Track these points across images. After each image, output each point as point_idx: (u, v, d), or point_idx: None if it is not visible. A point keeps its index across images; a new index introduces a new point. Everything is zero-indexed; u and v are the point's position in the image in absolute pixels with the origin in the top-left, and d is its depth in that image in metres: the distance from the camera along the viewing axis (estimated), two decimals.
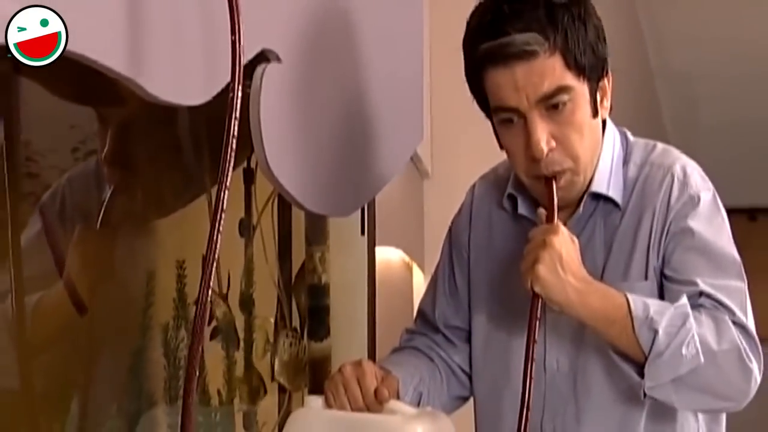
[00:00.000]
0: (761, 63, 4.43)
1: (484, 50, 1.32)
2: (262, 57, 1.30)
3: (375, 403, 1.33)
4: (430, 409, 1.42)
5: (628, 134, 1.46)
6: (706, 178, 1.45)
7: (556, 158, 1.34)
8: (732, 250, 1.41)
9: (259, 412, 1.61)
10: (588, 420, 1.40)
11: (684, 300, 1.32)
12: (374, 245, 2.05)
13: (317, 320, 1.82)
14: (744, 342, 1.32)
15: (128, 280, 1.34)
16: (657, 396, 1.31)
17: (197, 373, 1.03)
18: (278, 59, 1.31)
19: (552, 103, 1.32)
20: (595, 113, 1.37)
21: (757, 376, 1.33)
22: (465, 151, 2.69)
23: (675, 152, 1.46)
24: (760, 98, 4.63)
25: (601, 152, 1.41)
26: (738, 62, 4.44)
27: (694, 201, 1.40)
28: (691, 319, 1.30)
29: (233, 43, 1.04)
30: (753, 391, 1.35)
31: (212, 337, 1.50)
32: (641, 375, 1.30)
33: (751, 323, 1.35)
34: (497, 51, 1.31)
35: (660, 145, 1.47)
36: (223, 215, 1.01)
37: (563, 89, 1.32)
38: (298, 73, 1.36)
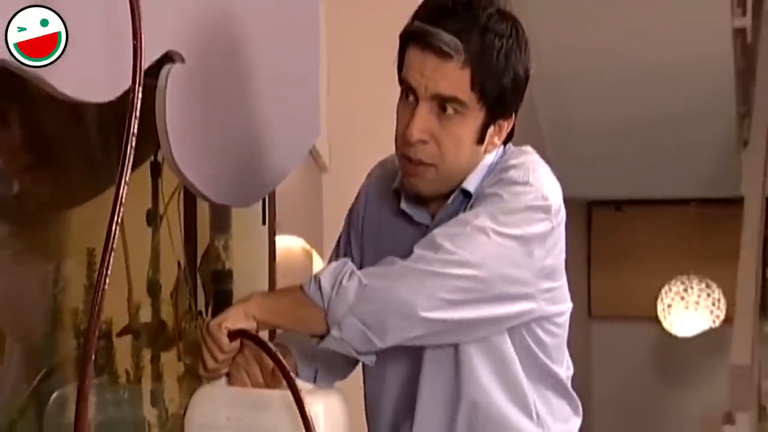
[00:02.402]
0: (626, 70, 4.55)
1: (414, 29, 1.33)
2: (167, 58, 1.29)
3: (274, 380, 1.33)
4: (325, 384, 1.43)
5: (509, 145, 1.44)
6: (538, 170, 1.39)
7: (427, 151, 1.34)
8: (495, 223, 1.31)
9: (166, 390, 1.59)
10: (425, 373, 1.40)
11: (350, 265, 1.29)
12: (274, 234, 2.05)
13: (221, 304, 1.81)
14: (430, 251, 1.27)
15: (39, 266, 1.31)
16: (349, 336, 1.26)
17: (93, 358, 1.02)
18: (182, 60, 1.30)
19: (443, 105, 1.33)
20: (479, 140, 1.36)
21: (438, 270, 1.25)
22: (362, 147, 2.69)
23: (527, 152, 1.44)
24: (625, 101, 4.76)
25: (483, 161, 1.41)
26: (606, 69, 4.56)
27: (507, 181, 1.36)
28: (350, 263, 1.29)
29: (135, 46, 1.04)
30: (434, 289, 1.26)
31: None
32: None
33: (464, 249, 1.27)
34: (422, 35, 1.31)
35: (523, 148, 1.46)
36: (122, 208, 1.00)
37: (458, 101, 1.32)
38: (201, 73, 1.36)
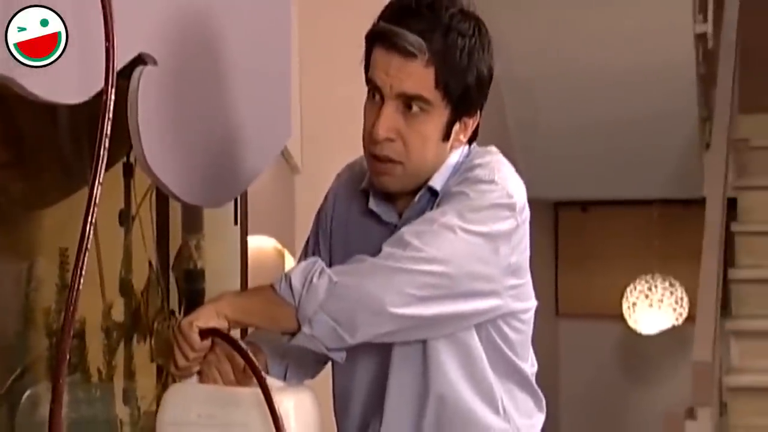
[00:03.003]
0: (592, 75, 4.59)
1: (379, 29, 1.34)
2: (139, 60, 1.28)
3: (245, 377, 1.33)
4: (296, 382, 1.43)
5: (474, 145, 1.45)
6: (502, 170, 1.40)
7: (394, 148, 1.35)
8: (459, 220, 1.32)
9: (139, 388, 1.59)
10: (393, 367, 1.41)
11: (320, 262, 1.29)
12: (246, 234, 2.04)
13: (193, 303, 1.80)
14: (398, 249, 1.27)
15: (12, 266, 1.30)
16: (320, 333, 1.26)
17: (68, 357, 1.01)
18: (154, 62, 1.30)
19: (408, 104, 1.34)
20: (445, 137, 1.37)
21: (407, 267, 1.26)
22: (333, 149, 2.69)
23: (491, 151, 1.45)
24: (591, 105, 4.79)
25: (448, 159, 1.42)
26: (573, 73, 4.59)
27: (472, 180, 1.37)
28: (320, 261, 1.29)
29: (107, 49, 1.03)
30: (402, 285, 1.26)
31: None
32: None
33: (431, 245, 1.27)
34: (386, 35, 1.32)
35: (488, 148, 1.47)
36: (95, 209, 1.00)
37: (423, 99, 1.33)
38: (172, 75, 1.35)
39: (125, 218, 1.55)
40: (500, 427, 1.42)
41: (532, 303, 1.45)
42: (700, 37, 4.61)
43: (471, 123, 1.40)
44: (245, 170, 1.66)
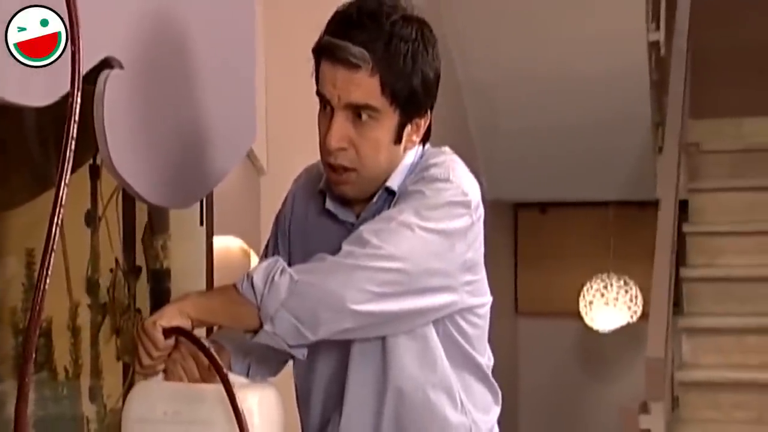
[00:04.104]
0: (550, 80, 4.62)
1: (324, 44, 1.34)
2: (106, 63, 1.28)
3: (210, 375, 1.33)
4: (259, 379, 1.43)
5: (427, 146, 1.47)
6: (457, 169, 1.41)
7: (347, 156, 1.36)
8: (419, 218, 1.32)
9: (105, 386, 1.58)
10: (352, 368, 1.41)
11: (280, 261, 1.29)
12: (212, 234, 2.03)
13: (159, 302, 1.79)
14: (357, 247, 1.27)
15: None
16: (281, 331, 1.26)
17: (33, 356, 1.00)
18: (120, 66, 1.29)
19: (357, 113, 1.34)
20: (397, 140, 1.38)
21: (364, 264, 1.26)
22: (299, 151, 2.68)
23: (444, 152, 1.46)
24: (549, 110, 4.83)
25: (403, 160, 1.43)
26: (532, 79, 4.62)
27: (429, 179, 1.38)
28: (281, 260, 1.29)
29: (73, 53, 1.02)
30: (361, 282, 1.26)
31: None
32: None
33: (391, 244, 1.28)
34: (331, 49, 1.33)
35: (441, 149, 1.48)
36: (62, 210, 0.99)
37: (370, 107, 1.34)
38: (138, 79, 1.35)
39: (91, 219, 1.54)
40: (458, 421, 1.42)
41: (488, 298, 1.47)
42: (653, 45, 4.67)
43: (422, 123, 1.41)
44: (211, 172, 1.66)
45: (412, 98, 1.36)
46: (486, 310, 1.47)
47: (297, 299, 1.26)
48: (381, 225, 1.32)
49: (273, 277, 1.26)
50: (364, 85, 1.33)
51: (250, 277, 1.28)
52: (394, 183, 1.41)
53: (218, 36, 1.64)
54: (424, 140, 1.45)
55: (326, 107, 1.36)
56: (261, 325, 1.27)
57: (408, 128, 1.39)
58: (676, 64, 4.70)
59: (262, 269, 1.28)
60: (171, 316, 1.28)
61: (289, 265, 1.38)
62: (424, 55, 1.36)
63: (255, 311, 1.27)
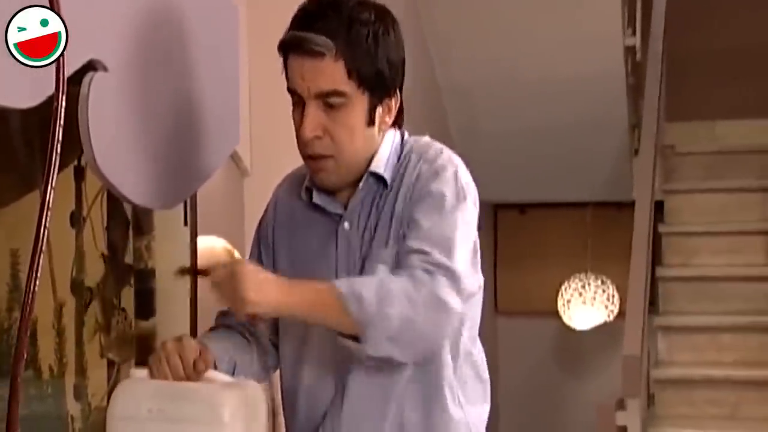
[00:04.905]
0: (530, 83, 4.63)
1: (288, 38, 1.36)
2: (90, 66, 1.27)
3: (194, 373, 1.33)
4: (243, 378, 1.43)
5: (406, 134, 1.48)
6: (455, 161, 1.45)
7: (323, 144, 1.37)
8: (458, 210, 1.39)
9: (90, 384, 1.57)
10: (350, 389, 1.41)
11: (382, 268, 1.34)
12: (196, 235, 2.03)
13: (144, 301, 1.79)
14: (428, 280, 1.32)
15: None
16: (380, 355, 1.32)
17: (25, 355, 1.00)
18: (105, 68, 1.29)
19: (328, 101, 1.35)
20: (370, 123, 1.39)
21: (456, 305, 1.34)
22: (282, 153, 2.68)
23: (434, 144, 1.48)
24: (529, 112, 4.84)
25: (380, 146, 1.43)
26: (512, 82, 4.63)
27: (437, 172, 1.41)
28: (392, 283, 1.30)
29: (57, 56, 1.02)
30: (454, 321, 1.35)
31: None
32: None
33: (457, 261, 1.34)
34: (295, 42, 1.35)
35: (425, 139, 1.50)
36: (49, 212, 0.98)
37: (339, 93, 1.35)
38: (123, 81, 1.34)
39: (76, 220, 1.53)
40: (458, 416, 1.43)
41: (481, 277, 1.48)
42: (629, 50, 4.70)
43: (393, 104, 1.43)
44: (194, 174, 1.66)
45: (379, 79, 1.37)
46: (482, 290, 1.48)
47: (402, 339, 1.30)
48: (443, 243, 1.35)
49: (387, 308, 1.28)
50: (329, 72, 1.34)
51: (359, 296, 1.28)
52: (380, 168, 1.42)
53: (202, 40, 1.64)
54: (399, 123, 1.46)
55: (298, 102, 1.38)
56: (352, 335, 1.31)
57: (379, 110, 1.40)
58: (652, 68, 4.73)
59: (374, 294, 1.29)
60: (267, 292, 1.29)
61: (275, 263, 1.39)
62: (385, 36, 1.37)
63: (353, 325, 1.30)
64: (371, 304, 1.28)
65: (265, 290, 1.29)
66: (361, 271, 1.38)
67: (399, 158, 1.44)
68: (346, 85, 1.35)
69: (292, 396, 1.49)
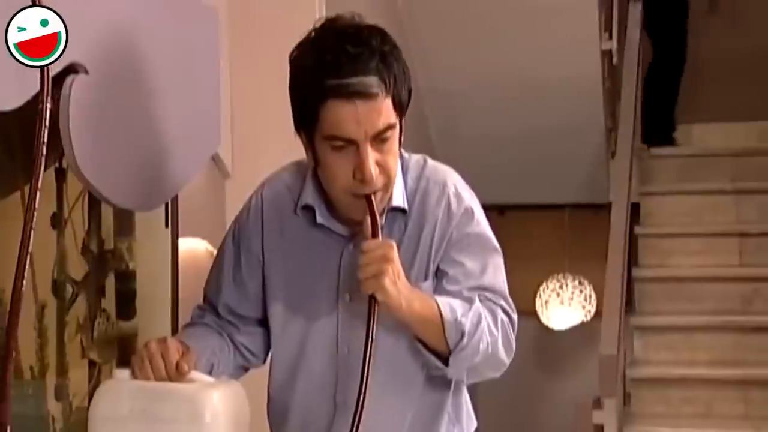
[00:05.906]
0: (509, 87, 4.65)
1: (331, 86, 1.28)
2: (72, 69, 1.26)
3: (177, 374, 1.32)
4: (225, 378, 1.42)
5: (403, 151, 1.46)
6: (467, 187, 1.52)
7: (381, 180, 1.35)
8: (496, 245, 1.52)
9: (71, 384, 1.56)
10: (374, 393, 1.40)
11: (477, 302, 1.42)
12: (177, 236, 2.02)
13: (125, 302, 1.78)
14: (508, 324, 1.47)
15: None
16: (454, 377, 1.46)
17: (14, 354, 0.99)
18: (86, 71, 1.28)
19: (382, 137, 1.32)
20: (401, 143, 1.39)
21: (514, 345, 1.49)
22: (263, 155, 2.68)
23: (442, 168, 1.49)
24: (508, 116, 4.86)
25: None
26: (491, 86, 4.65)
27: (469, 213, 1.47)
28: (483, 319, 1.40)
29: None
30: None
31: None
32: (439, 358, 1.40)
33: (513, 308, 1.51)
34: (344, 89, 1.28)
35: (429, 162, 1.49)
36: (35, 213, 0.98)
37: (391, 126, 1.33)
38: (104, 83, 1.34)
39: (57, 221, 1.52)
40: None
41: None
42: (606, 54, 4.72)
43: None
44: (175, 176, 1.65)
45: (408, 97, 1.37)
46: None
47: (477, 369, 1.43)
48: (498, 288, 1.50)
49: (479, 342, 1.39)
50: (383, 109, 1.31)
51: (460, 325, 1.37)
52: (399, 201, 1.43)
53: (182, 43, 1.63)
54: None
55: (343, 146, 1.31)
56: (440, 356, 1.40)
57: (402, 128, 1.40)
58: (628, 72, 4.76)
59: (471, 325, 1.39)
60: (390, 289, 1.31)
61: (264, 280, 1.45)
62: (400, 54, 1.35)
63: (444, 345, 1.38)
64: (469, 335, 1.38)
65: (400, 286, 1.32)
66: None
67: (405, 181, 1.44)
68: (395, 117, 1.33)
69: (281, 405, 1.48)
